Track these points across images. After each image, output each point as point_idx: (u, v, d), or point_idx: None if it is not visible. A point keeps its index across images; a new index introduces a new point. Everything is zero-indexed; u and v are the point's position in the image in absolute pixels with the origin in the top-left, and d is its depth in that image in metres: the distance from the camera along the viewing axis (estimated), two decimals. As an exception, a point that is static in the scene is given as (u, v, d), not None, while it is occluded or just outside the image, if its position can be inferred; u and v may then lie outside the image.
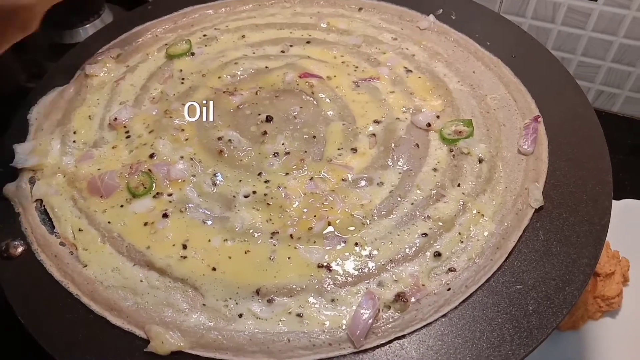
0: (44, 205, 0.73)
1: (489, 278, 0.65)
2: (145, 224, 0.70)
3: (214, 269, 0.65)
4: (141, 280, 0.65)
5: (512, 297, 0.63)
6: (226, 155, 0.77)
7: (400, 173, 0.74)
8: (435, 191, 0.72)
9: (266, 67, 0.90)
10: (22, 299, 0.64)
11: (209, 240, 0.68)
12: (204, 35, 0.97)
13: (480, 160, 0.75)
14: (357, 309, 0.60)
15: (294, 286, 0.63)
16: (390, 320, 0.61)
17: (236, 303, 0.62)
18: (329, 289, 0.63)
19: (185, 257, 0.66)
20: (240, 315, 0.61)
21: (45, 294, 0.65)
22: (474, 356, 0.59)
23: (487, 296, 0.63)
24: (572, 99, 0.83)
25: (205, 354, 0.58)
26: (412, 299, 0.62)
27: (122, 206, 0.72)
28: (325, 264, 0.65)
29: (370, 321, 0.59)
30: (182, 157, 0.77)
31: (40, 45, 1.21)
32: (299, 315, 0.61)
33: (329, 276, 0.64)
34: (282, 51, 0.93)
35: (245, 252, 0.66)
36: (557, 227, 0.69)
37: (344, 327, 0.60)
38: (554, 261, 0.66)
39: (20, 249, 0.69)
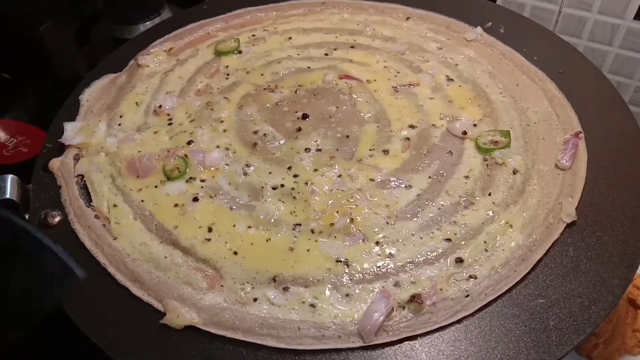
0: (84, 181, 0.77)
1: (511, 289, 0.63)
2: (176, 205, 0.72)
3: (235, 252, 0.66)
4: (165, 257, 0.67)
5: (533, 311, 0.61)
6: (259, 148, 0.78)
7: (430, 177, 0.73)
8: (464, 198, 0.71)
9: (308, 67, 0.91)
10: (54, 265, 0.68)
11: (234, 226, 0.69)
12: (253, 36, 1.01)
13: (515, 172, 0.74)
14: (370, 305, 0.60)
15: (311, 278, 0.63)
16: (403, 320, 0.60)
17: (252, 287, 0.63)
18: (345, 283, 0.63)
19: (209, 240, 0.68)
20: (255, 300, 0.62)
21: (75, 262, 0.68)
22: (486, 364, 0.57)
23: (507, 307, 0.62)
24: (618, 118, 0.80)
25: (217, 331, 0.60)
26: (428, 302, 0.61)
27: (156, 187, 0.75)
28: (343, 259, 0.65)
29: (381, 318, 0.59)
30: (218, 147, 0.79)
31: (103, 38, 1.28)
32: (312, 305, 0.61)
33: (346, 271, 0.64)
34: (326, 54, 0.95)
35: (267, 240, 0.67)
36: (589, 244, 0.66)
37: (355, 321, 0.60)
38: (582, 279, 0.63)
39: (57, 219, 0.72)
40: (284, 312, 0.61)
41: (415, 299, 0.61)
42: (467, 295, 0.61)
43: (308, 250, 0.66)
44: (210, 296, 0.63)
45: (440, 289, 0.62)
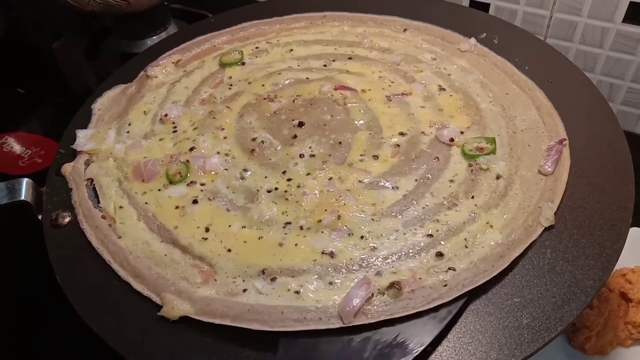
0: (94, 184, 0.82)
1: (489, 288, 0.66)
2: (177, 207, 0.77)
3: (229, 250, 0.71)
4: (165, 255, 0.72)
5: (508, 309, 0.64)
6: (257, 154, 0.83)
7: (416, 180, 0.77)
8: (448, 200, 0.74)
9: (307, 78, 0.96)
10: (62, 261, 0.73)
11: (229, 226, 0.74)
12: (256, 48, 1.06)
13: (498, 177, 0.77)
14: (351, 289, 0.64)
15: (297, 268, 0.68)
16: (382, 304, 0.63)
17: (243, 280, 0.67)
18: (329, 272, 0.67)
19: (206, 239, 0.73)
20: (245, 290, 0.66)
21: (82, 260, 0.73)
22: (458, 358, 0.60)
23: (483, 306, 0.64)
24: (604, 125, 0.82)
25: (207, 319, 0.64)
26: (407, 289, 0.64)
27: (159, 190, 0.80)
28: (329, 251, 0.69)
29: (361, 302, 0.62)
30: (218, 153, 0.84)
31: (112, 53, 1.35)
32: (296, 292, 0.65)
33: (331, 262, 0.68)
34: (325, 65, 0.99)
35: (259, 238, 0.72)
36: (566, 247, 0.69)
37: (336, 305, 0.63)
38: (557, 279, 0.66)
39: (67, 219, 0.78)
40: (270, 300, 0.65)
41: (394, 285, 0.64)
42: (445, 285, 0.64)
43: (296, 244, 0.70)
44: (203, 289, 0.67)
45: (420, 278, 0.65)
